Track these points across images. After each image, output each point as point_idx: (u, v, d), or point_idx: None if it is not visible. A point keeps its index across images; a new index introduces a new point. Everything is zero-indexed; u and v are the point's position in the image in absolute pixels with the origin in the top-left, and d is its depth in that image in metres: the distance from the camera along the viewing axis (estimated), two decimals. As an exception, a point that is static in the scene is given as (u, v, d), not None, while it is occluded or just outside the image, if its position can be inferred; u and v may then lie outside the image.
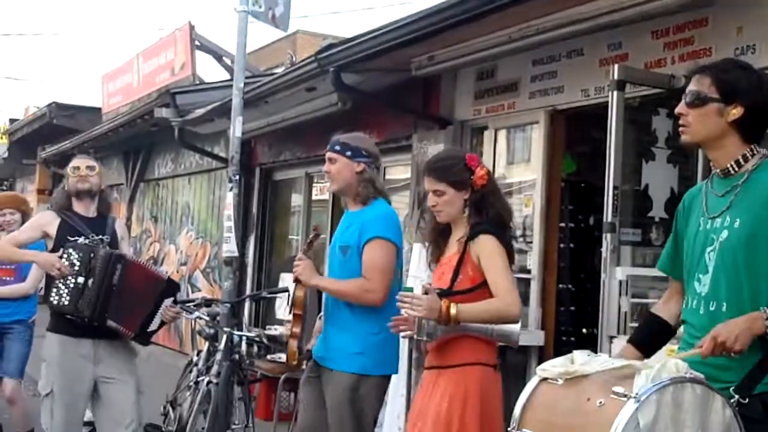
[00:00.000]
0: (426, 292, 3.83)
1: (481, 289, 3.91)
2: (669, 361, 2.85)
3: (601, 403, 2.76)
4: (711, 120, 3.07)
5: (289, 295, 4.89)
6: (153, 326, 5.46)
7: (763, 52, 5.50)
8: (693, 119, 3.11)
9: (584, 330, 7.43)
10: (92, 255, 5.32)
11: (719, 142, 3.10)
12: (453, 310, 3.78)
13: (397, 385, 7.90)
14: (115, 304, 5.33)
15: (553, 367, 3.01)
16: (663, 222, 6.34)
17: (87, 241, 5.44)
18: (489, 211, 4.02)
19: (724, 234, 3.04)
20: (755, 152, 3.09)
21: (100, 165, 5.78)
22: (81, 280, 5.27)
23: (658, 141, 6.52)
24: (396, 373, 4.78)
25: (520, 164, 7.92)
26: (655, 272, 6.30)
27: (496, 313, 3.86)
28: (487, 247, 3.91)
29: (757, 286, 2.97)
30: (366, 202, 4.72)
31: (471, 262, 3.94)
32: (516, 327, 4.03)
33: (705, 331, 2.99)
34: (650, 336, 3.37)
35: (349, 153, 4.72)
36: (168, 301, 5.51)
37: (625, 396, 2.68)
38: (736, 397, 2.90)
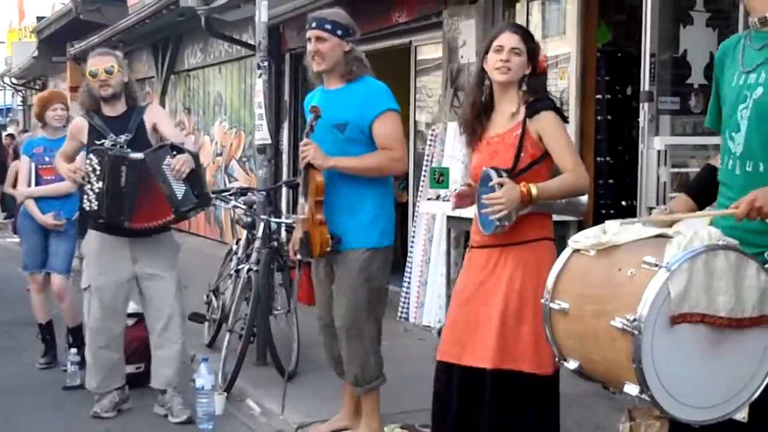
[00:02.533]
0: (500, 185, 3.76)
1: (540, 163, 3.86)
2: (702, 228, 2.80)
3: (632, 273, 2.72)
4: None
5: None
6: (179, 195, 5.26)
7: None
8: None
9: (623, 202, 7.36)
10: (104, 158, 5.33)
11: None
12: (534, 191, 3.71)
13: (437, 264, 7.94)
14: (136, 206, 5.29)
15: (586, 238, 2.98)
16: (702, 89, 6.17)
17: (106, 144, 5.42)
18: (544, 94, 3.95)
19: (759, 91, 2.93)
20: None
21: (118, 59, 5.58)
22: (101, 184, 5.33)
23: (696, 4, 6.29)
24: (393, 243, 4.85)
25: (554, 37, 7.71)
26: (695, 140, 6.26)
27: (571, 187, 3.82)
28: (550, 123, 3.82)
29: None
30: (352, 80, 4.68)
31: (531, 139, 3.84)
32: (584, 198, 4.01)
33: (741, 192, 2.92)
34: (706, 186, 3.24)
35: (340, 32, 4.63)
36: (167, 162, 5.24)
37: (656, 265, 2.64)
38: None
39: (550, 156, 3.86)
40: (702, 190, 3.27)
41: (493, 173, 3.76)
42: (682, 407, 2.65)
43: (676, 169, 5.87)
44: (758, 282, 2.68)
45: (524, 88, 3.92)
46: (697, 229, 2.81)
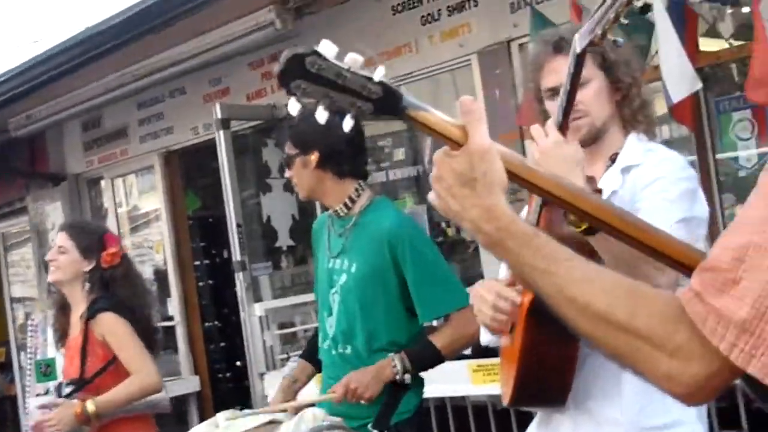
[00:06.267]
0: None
1: (115, 364, 3.70)
2: (307, 411, 2.90)
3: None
4: (302, 173, 3.11)
5: None
6: None
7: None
8: (296, 180, 3.15)
9: (237, 363, 7.42)
10: None
11: (320, 191, 3.14)
12: (90, 408, 3.55)
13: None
14: None
15: (198, 432, 2.97)
16: (291, 249, 6.45)
17: None
18: (118, 291, 3.77)
19: (343, 278, 3.11)
20: (361, 191, 3.12)
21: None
22: None
23: (272, 172, 6.63)
24: None
25: (143, 210, 7.79)
26: (293, 300, 6.50)
27: (139, 390, 3.69)
28: (109, 326, 3.66)
29: (373, 330, 3.06)
30: None
31: (96, 342, 3.68)
32: (162, 394, 3.93)
33: (336, 372, 3.09)
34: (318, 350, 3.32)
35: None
36: None
37: (264, 454, 2.69)
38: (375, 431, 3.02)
39: None
40: (316, 354, 3.36)
41: (52, 393, 3.64)
42: None
43: (283, 330, 6.03)
44: None
45: (87, 286, 3.74)
46: (303, 412, 2.91)
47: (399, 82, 5.65)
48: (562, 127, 2.21)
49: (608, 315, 1.16)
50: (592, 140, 2.37)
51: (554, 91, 2.26)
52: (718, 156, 4.88)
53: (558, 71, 2.22)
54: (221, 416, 3.13)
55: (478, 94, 5.41)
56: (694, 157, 4.82)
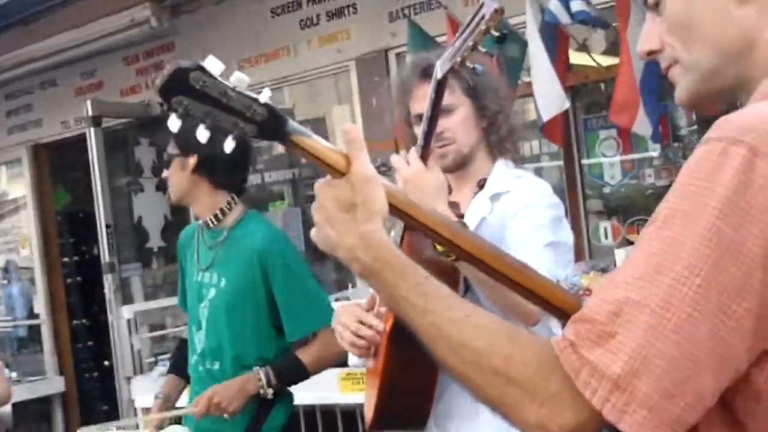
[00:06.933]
0: None
1: None
2: (169, 429, 2.87)
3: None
4: (178, 175, 3.01)
5: None
6: None
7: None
8: (170, 181, 3.03)
9: (106, 362, 7.26)
10: None
11: (192, 196, 3.06)
12: None
13: None
14: None
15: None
16: (162, 250, 6.33)
17: None
18: None
19: (213, 292, 3.05)
20: (233, 205, 3.05)
21: None
22: None
23: (144, 171, 6.50)
24: None
25: (11, 196, 7.57)
26: (163, 303, 6.39)
27: None
28: None
29: (242, 347, 3.02)
30: None
31: None
32: (7, 408, 3.83)
33: (204, 388, 3.00)
34: (186, 362, 3.22)
35: None
36: None
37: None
38: None
39: None
40: (185, 367, 3.25)
41: None
42: None
43: (153, 333, 5.92)
44: None
45: None
46: (167, 429, 2.88)
47: (276, 84, 5.73)
48: (424, 154, 2.25)
49: (482, 357, 1.14)
50: (458, 166, 2.42)
51: (422, 117, 2.28)
52: (584, 161, 5.04)
53: (426, 97, 2.21)
54: (84, 430, 3.08)
55: (355, 101, 5.45)
56: (561, 162, 5.01)
